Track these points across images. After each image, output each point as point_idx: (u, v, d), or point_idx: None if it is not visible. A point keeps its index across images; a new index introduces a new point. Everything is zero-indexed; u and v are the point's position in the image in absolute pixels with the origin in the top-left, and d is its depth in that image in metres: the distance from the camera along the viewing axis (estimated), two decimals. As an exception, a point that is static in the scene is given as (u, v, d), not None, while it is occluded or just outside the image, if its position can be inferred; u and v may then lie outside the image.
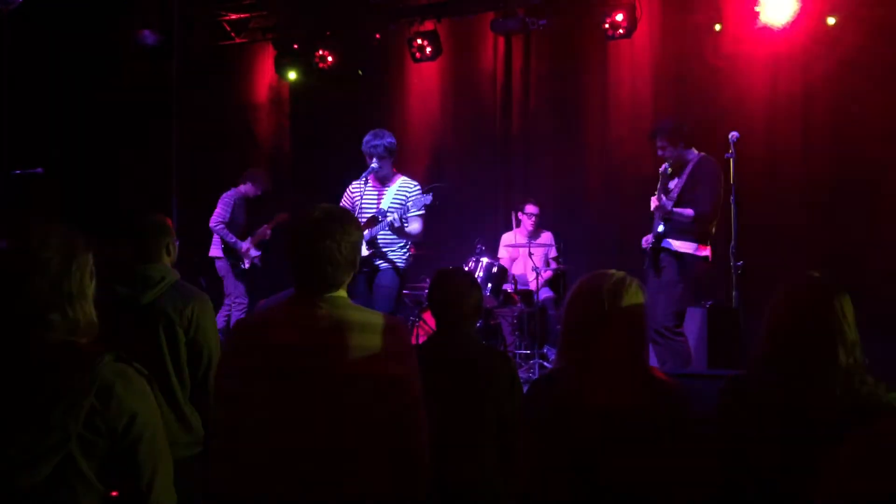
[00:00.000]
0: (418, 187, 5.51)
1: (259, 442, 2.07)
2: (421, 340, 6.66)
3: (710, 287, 6.19)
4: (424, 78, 8.55)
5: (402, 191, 5.48)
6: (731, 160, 5.52)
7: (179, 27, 7.24)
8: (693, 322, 6.37)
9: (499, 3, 7.75)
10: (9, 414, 1.75)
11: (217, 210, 7.48)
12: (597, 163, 7.88)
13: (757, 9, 6.75)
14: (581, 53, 7.90)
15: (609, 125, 7.78)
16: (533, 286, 7.16)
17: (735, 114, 6.94)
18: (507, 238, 7.73)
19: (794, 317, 2.24)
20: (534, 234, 7.52)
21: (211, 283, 7.61)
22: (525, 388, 2.72)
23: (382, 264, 5.45)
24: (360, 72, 8.33)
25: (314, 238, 2.15)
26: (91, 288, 1.90)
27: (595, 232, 7.84)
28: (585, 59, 7.88)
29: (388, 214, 5.32)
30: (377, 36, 8.32)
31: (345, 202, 5.63)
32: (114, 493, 1.79)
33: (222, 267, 7.56)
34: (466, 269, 6.82)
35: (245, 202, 7.65)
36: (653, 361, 5.76)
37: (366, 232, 5.39)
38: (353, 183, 5.61)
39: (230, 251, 7.48)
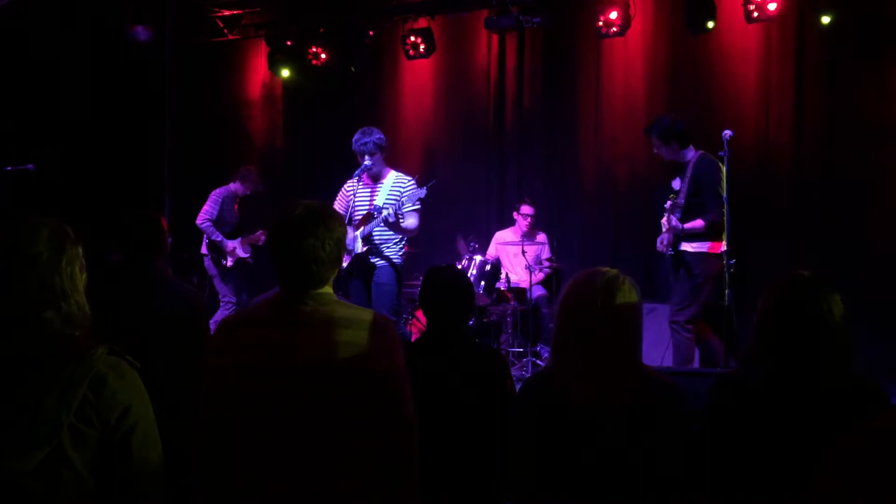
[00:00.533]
0: (412, 182, 5.49)
1: (246, 441, 2.06)
2: (414, 338, 6.66)
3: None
4: (418, 75, 8.54)
5: (396, 186, 5.47)
6: (725, 158, 5.53)
7: (172, 24, 7.21)
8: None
9: (493, 0, 7.74)
10: (1, 403, 1.75)
11: (205, 207, 7.44)
12: (590, 160, 7.88)
13: (750, 7, 6.76)
14: (575, 51, 7.90)
15: (602, 123, 7.79)
16: (526, 284, 7.16)
17: (728, 112, 6.95)
18: (500, 236, 7.72)
19: (782, 314, 2.24)
20: (528, 235, 7.52)
21: (202, 281, 7.60)
22: (518, 387, 2.71)
23: (379, 262, 5.44)
24: (351, 68, 8.30)
25: (297, 236, 2.12)
26: (83, 280, 1.90)
27: (588, 229, 7.86)
28: (579, 57, 7.88)
29: (384, 210, 5.31)
30: (371, 33, 8.31)
31: (339, 202, 5.62)
32: None
33: (210, 265, 7.53)
34: (459, 266, 6.81)
35: (236, 200, 7.62)
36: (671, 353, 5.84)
37: (361, 229, 5.39)
38: (347, 182, 5.61)
39: (215, 248, 7.45)
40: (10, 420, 1.75)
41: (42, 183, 6.47)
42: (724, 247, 5.60)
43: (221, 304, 7.53)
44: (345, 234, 2.22)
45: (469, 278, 3.38)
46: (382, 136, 5.48)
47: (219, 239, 7.41)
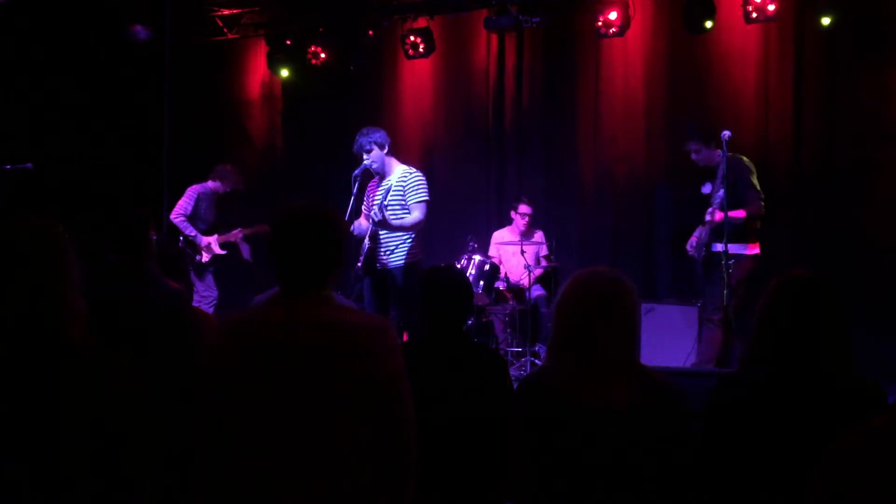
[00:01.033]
0: (416, 174, 5.45)
1: (245, 441, 2.05)
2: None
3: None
4: (417, 75, 8.54)
5: (400, 181, 5.43)
6: (725, 159, 5.55)
7: (171, 23, 7.21)
8: (686, 321, 6.40)
9: (492, 0, 7.74)
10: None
11: (179, 202, 7.38)
12: (589, 160, 7.88)
13: (749, 7, 6.76)
14: (574, 51, 7.90)
15: (601, 123, 7.79)
16: (525, 284, 7.16)
17: (727, 113, 6.96)
18: (498, 235, 7.72)
19: (782, 314, 2.24)
20: (526, 234, 7.52)
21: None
22: (515, 386, 2.71)
23: (390, 263, 5.40)
24: (351, 68, 8.30)
25: (296, 236, 2.12)
26: (77, 277, 1.90)
27: (587, 229, 7.86)
28: (578, 57, 7.88)
29: (371, 209, 5.32)
30: (370, 33, 8.30)
31: (365, 204, 5.61)
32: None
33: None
34: (458, 266, 6.81)
35: (214, 198, 7.55)
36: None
37: (368, 229, 5.36)
38: (369, 184, 5.62)
39: (189, 244, 7.43)
40: (4, 422, 1.74)
41: (41, 182, 6.48)
42: (758, 249, 5.65)
43: (196, 298, 7.49)
44: (345, 234, 2.22)
45: (468, 278, 3.37)
46: (381, 135, 5.45)
47: (192, 234, 7.37)
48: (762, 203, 5.70)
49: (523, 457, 2.33)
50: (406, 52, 8.17)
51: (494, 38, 8.22)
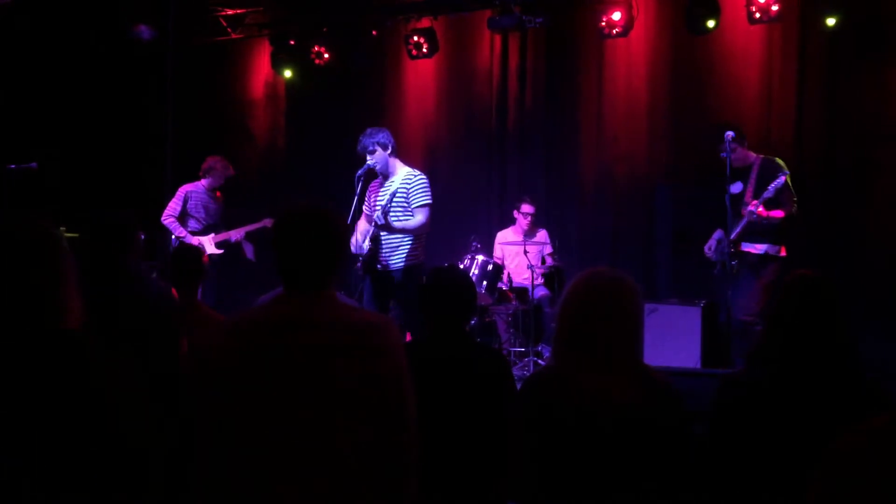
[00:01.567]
0: (420, 177, 5.42)
1: (247, 441, 2.06)
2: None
3: (705, 286, 6.21)
4: (420, 75, 8.55)
5: (404, 184, 5.39)
6: (728, 159, 5.54)
7: (175, 23, 7.21)
8: (687, 321, 6.40)
9: (495, 0, 7.74)
10: None
11: (170, 203, 7.35)
12: (590, 160, 7.88)
13: (752, 8, 6.76)
14: (577, 51, 7.91)
15: (604, 123, 7.79)
16: (528, 283, 7.16)
17: (730, 113, 6.95)
18: (502, 236, 7.72)
19: (787, 315, 2.25)
20: (530, 233, 7.52)
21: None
22: (518, 386, 2.71)
23: (392, 265, 5.39)
24: (354, 68, 8.31)
25: (298, 236, 2.12)
26: (73, 273, 1.90)
27: (587, 229, 7.86)
28: (581, 57, 7.89)
29: (374, 212, 5.31)
30: (374, 33, 8.31)
31: (367, 205, 5.60)
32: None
33: None
34: (461, 266, 6.81)
35: (210, 195, 7.46)
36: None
37: (370, 231, 5.36)
38: (371, 184, 5.60)
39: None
40: (8, 418, 1.75)
41: (44, 182, 6.49)
42: (785, 252, 5.62)
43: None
44: (346, 235, 2.22)
45: (471, 278, 3.38)
46: (385, 135, 5.42)
47: (182, 234, 7.34)
48: (795, 204, 5.65)
49: (524, 456, 2.33)
50: (409, 52, 8.18)
51: (498, 38, 8.22)
